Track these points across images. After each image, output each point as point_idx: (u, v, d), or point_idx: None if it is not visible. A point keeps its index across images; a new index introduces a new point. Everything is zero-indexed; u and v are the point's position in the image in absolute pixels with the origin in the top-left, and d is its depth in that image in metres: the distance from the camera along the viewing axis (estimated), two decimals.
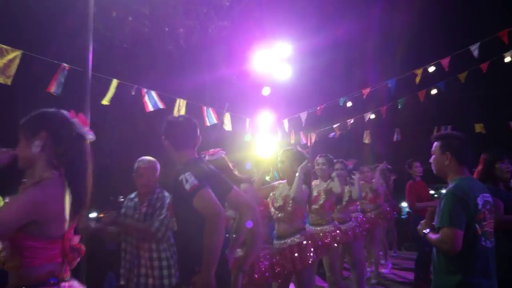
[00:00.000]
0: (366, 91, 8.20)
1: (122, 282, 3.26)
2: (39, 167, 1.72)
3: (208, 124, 7.04)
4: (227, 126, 7.56)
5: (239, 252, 3.04)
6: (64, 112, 1.82)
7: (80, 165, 1.77)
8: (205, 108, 7.03)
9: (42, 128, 1.72)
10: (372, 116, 9.52)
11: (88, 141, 1.83)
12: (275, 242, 3.59)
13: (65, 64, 4.40)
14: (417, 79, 7.63)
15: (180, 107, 6.19)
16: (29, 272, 1.62)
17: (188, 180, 2.17)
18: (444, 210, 2.36)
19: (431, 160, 2.63)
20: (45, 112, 1.79)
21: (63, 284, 1.69)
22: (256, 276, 2.97)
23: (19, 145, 1.76)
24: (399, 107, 8.77)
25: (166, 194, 3.28)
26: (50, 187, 1.65)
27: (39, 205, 1.60)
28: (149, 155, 3.39)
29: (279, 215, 3.57)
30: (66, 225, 1.72)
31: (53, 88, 4.36)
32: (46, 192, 1.63)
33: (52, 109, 1.81)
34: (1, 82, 4.01)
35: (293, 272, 3.47)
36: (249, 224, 2.14)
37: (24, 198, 1.61)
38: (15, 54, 4.04)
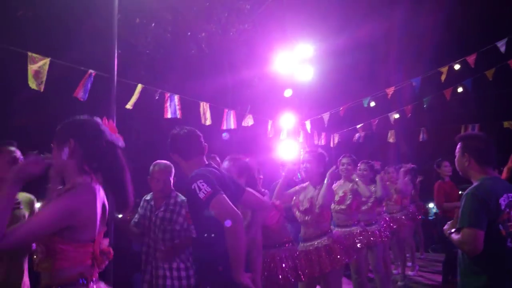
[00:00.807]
0: (390, 90, 8.08)
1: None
2: (71, 173, 1.77)
3: (224, 127, 7.07)
4: (249, 123, 7.60)
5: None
6: (96, 119, 1.86)
7: (116, 171, 1.82)
8: (226, 110, 7.09)
9: (70, 136, 1.77)
10: (397, 115, 9.37)
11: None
12: (301, 244, 3.59)
13: (91, 70, 4.53)
14: (443, 77, 7.48)
15: (205, 110, 6.27)
16: (60, 274, 1.67)
17: (201, 188, 2.19)
18: (464, 210, 2.34)
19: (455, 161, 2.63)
20: (75, 120, 1.84)
21: (91, 285, 1.73)
22: (279, 276, 2.96)
23: (52, 152, 1.82)
24: (424, 106, 8.60)
25: (183, 198, 3.27)
26: (82, 193, 1.70)
27: (72, 211, 1.65)
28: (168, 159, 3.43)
29: (306, 218, 3.57)
30: (97, 229, 1.76)
31: (80, 94, 4.49)
32: (79, 198, 1.68)
33: (84, 117, 1.86)
34: (34, 88, 4.16)
35: (320, 276, 3.45)
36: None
37: (58, 204, 1.67)
38: (44, 62, 4.18)
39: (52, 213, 1.64)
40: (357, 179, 4.43)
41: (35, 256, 1.74)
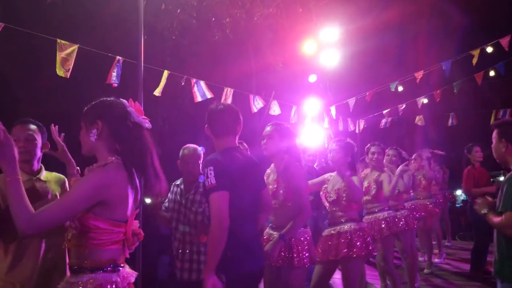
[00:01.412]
0: (419, 74, 7.87)
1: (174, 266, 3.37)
2: (101, 153, 1.80)
3: (255, 110, 7.08)
4: (275, 111, 7.57)
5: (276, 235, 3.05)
6: (122, 101, 1.87)
7: (141, 152, 1.81)
8: (251, 96, 7.08)
9: (98, 117, 1.78)
10: (425, 100, 9.13)
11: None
12: (326, 230, 3.61)
13: (119, 57, 4.59)
14: (474, 61, 7.22)
15: (227, 96, 6.27)
16: (91, 256, 1.69)
17: (209, 176, 2.20)
18: (508, 194, 2.35)
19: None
20: (102, 102, 1.85)
21: (119, 271, 1.76)
22: (295, 258, 2.96)
23: (81, 132, 1.85)
24: (454, 91, 8.35)
25: None
26: (114, 170, 1.71)
27: (104, 185, 1.66)
28: (200, 144, 3.47)
29: (333, 208, 3.59)
30: (130, 210, 1.79)
31: (112, 80, 4.56)
32: (110, 175, 1.69)
33: (111, 98, 1.87)
34: (61, 75, 4.24)
35: (338, 260, 3.45)
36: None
37: (90, 179, 1.69)
38: (72, 49, 4.26)
39: (84, 188, 1.65)
40: (385, 172, 4.37)
41: (68, 233, 1.76)
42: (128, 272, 1.82)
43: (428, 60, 10.83)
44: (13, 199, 1.56)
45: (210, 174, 2.20)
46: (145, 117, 1.87)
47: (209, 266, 2.18)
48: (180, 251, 3.23)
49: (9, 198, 1.56)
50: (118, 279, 1.72)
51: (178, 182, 3.46)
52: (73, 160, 2.44)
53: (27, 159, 2.43)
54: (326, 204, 3.67)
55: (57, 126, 2.50)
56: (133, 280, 1.83)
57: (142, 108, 1.89)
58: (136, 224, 1.87)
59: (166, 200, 3.49)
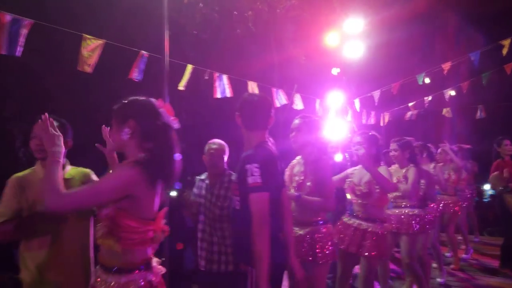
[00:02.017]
0: (446, 66, 7.65)
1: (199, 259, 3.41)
2: (131, 151, 1.83)
3: (278, 105, 7.06)
4: (298, 105, 7.52)
5: (298, 231, 3.05)
6: (153, 100, 1.89)
7: (167, 152, 1.84)
8: (274, 90, 7.05)
9: (131, 117, 1.81)
10: (453, 92, 8.88)
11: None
12: (351, 219, 3.59)
13: (143, 52, 4.63)
14: (504, 51, 6.97)
15: (252, 90, 6.27)
16: (124, 254, 1.73)
17: (254, 173, 2.16)
18: None
19: None
20: (135, 101, 1.88)
21: (154, 267, 1.81)
22: (318, 252, 2.96)
23: (111, 129, 1.89)
24: (483, 82, 8.09)
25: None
26: (143, 168, 1.74)
27: (133, 182, 1.69)
28: (222, 138, 3.48)
29: (361, 201, 3.55)
30: (157, 207, 1.83)
31: (134, 75, 4.61)
32: (139, 172, 1.72)
33: (142, 98, 1.89)
34: (85, 70, 4.29)
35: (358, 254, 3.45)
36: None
37: (122, 173, 1.73)
38: (98, 43, 4.31)
39: (114, 179, 1.70)
40: (412, 167, 4.28)
41: (99, 232, 1.78)
42: (159, 268, 1.86)
43: (456, 51, 10.53)
44: (48, 176, 1.63)
45: (255, 172, 2.16)
46: (174, 117, 1.90)
47: (259, 272, 2.14)
48: (206, 243, 3.28)
49: (45, 176, 1.63)
50: (153, 278, 1.76)
51: (203, 176, 3.49)
52: (117, 160, 2.38)
53: (45, 157, 2.46)
54: (353, 198, 3.62)
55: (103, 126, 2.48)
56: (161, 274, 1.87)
57: (171, 108, 1.91)
58: (162, 220, 1.89)
59: (192, 195, 3.53)
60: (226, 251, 3.19)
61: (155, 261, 1.88)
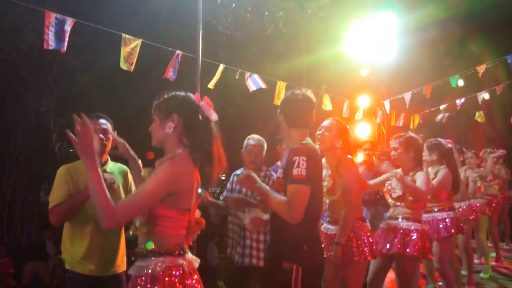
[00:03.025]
0: (481, 68, 7.46)
1: (228, 252, 3.49)
2: (170, 145, 1.91)
3: None
4: (327, 106, 7.52)
5: (333, 229, 3.08)
6: (192, 95, 1.98)
7: (208, 145, 1.91)
8: (303, 89, 7.06)
9: (174, 111, 1.89)
10: (486, 96, 8.64)
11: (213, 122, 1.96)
12: (388, 222, 3.54)
13: (178, 51, 4.76)
14: None
15: (280, 90, 6.32)
16: (159, 240, 1.81)
17: (300, 166, 2.17)
18: None
19: None
20: (177, 96, 1.95)
21: (187, 255, 1.87)
22: (354, 250, 2.97)
23: (153, 124, 1.95)
24: None
25: (274, 173, 3.36)
26: (183, 162, 1.83)
27: (174, 177, 1.78)
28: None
29: (397, 204, 3.49)
30: (194, 199, 1.90)
31: (169, 74, 4.76)
32: (180, 166, 1.81)
33: (183, 93, 1.97)
34: (125, 69, 4.48)
35: (393, 256, 3.39)
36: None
37: (162, 173, 1.79)
38: (136, 43, 4.48)
39: (157, 181, 1.76)
40: (443, 168, 4.20)
41: (136, 221, 1.86)
42: (194, 258, 1.92)
43: (492, 53, 10.23)
44: (95, 193, 1.62)
45: (303, 164, 2.17)
46: (213, 111, 1.95)
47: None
48: (239, 238, 3.33)
49: (91, 192, 1.63)
50: (185, 263, 1.82)
51: (238, 172, 3.54)
52: (136, 156, 2.39)
53: (101, 151, 2.61)
54: (390, 200, 3.57)
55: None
56: (197, 265, 1.92)
57: (210, 102, 1.97)
58: (198, 212, 1.97)
59: (225, 190, 3.58)
60: (258, 246, 3.24)
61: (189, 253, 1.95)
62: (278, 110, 2.49)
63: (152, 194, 1.74)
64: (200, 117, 1.92)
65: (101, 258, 2.56)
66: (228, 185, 3.59)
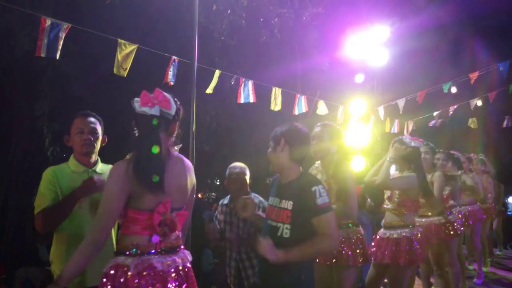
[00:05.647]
0: (474, 75, 7.54)
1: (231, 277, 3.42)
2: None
3: (296, 113, 7.11)
4: (322, 110, 7.57)
5: None
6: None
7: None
8: (298, 96, 7.11)
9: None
10: (479, 103, 8.74)
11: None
12: (382, 231, 3.52)
13: (174, 57, 4.78)
14: None
15: (276, 96, 6.36)
16: (121, 240, 1.91)
17: (322, 195, 2.15)
18: None
19: None
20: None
21: (145, 256, 1.83)
22: (350, 254, 2.97)
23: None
24: (510, 92, 7.95)
25: (260, 198, 3.28)
26: (121, 165, 1.94)
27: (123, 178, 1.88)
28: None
29: (389, 205, 3.50)
30: (157, 200, 1.87)
31: (169, 78, 4.78)
32: (123, 167, 1.91)
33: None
34: (119, 74, 4.48)
35: (390, 265, 3.37)
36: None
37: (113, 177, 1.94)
38: (132, 48, 4.50)
39: (109, 187, 1.90)
40: (437, 172, 4.23)
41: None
42: (164, 261, 1.86)
43: (484, 61, 10.36)
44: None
45: (323, 193, 2.17)
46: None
47: (292, 256, 2.13)
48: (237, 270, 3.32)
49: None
50: (133, 263, 1.81)
51: (225, 201, 3.45)
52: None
53: (90, 152, 2.51)
54: (386, 205, 3.57)
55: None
56: (161, 267, 1.84)
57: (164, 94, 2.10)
58: (171, 215, 1.92)
59: (216, 222, 3.47)
60: (254, 272, 3.19)
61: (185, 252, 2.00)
62: (282, 138, 2.32)
63: (112, 198, 1.85)
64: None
65: (87, 270, 2.33)
66: (219, 216, 3.44)
